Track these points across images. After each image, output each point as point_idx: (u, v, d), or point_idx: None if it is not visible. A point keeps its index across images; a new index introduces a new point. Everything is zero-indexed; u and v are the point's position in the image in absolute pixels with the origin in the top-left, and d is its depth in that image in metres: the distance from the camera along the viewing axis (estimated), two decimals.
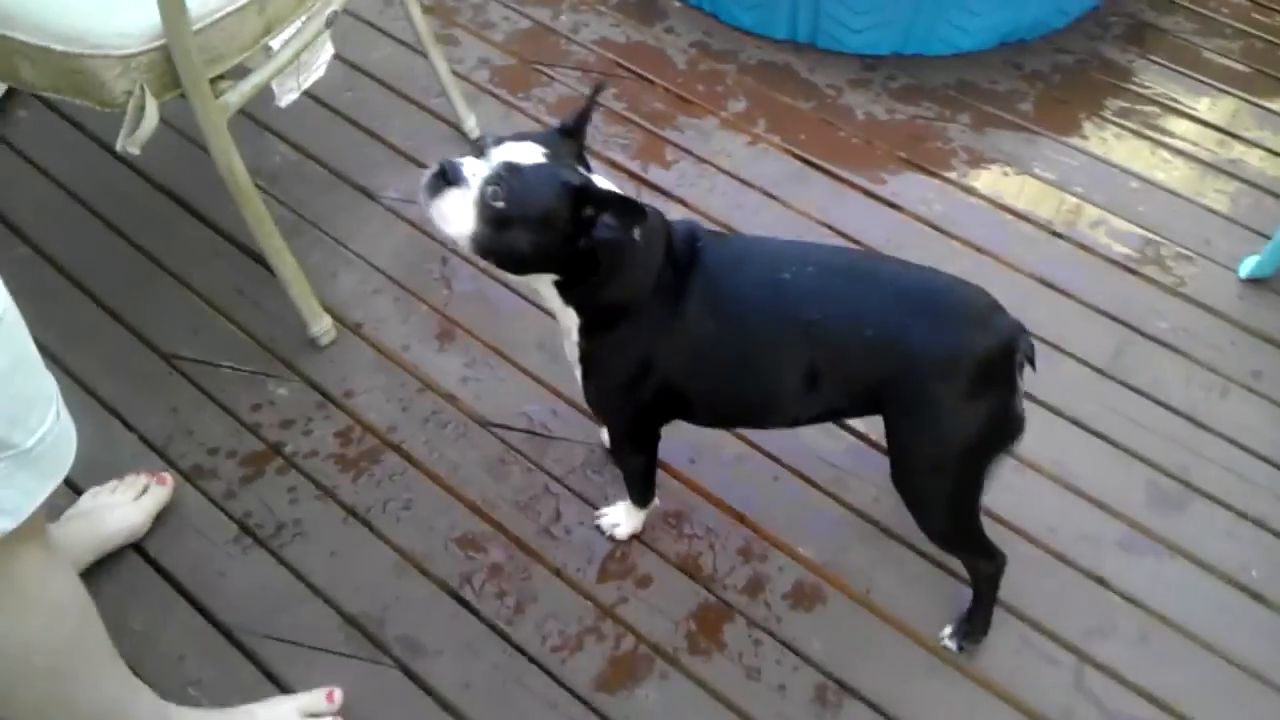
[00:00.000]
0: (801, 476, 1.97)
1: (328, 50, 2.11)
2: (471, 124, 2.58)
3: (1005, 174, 2.56)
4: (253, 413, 2.05)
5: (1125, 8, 3.03)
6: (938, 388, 1.48)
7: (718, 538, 1.90)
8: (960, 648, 1.76)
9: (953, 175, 2.55)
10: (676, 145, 2.59)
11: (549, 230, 1.39)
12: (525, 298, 2.24)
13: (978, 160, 2.58)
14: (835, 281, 1.52)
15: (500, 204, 1.37)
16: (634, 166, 2.54)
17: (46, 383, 1.16)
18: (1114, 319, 2.26)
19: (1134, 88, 2.80)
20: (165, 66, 1.75)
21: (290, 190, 2.43)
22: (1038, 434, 1.99)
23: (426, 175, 1.41)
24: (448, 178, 1.39)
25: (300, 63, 2.02)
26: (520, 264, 1.46)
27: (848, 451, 2.01)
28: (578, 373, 1.63)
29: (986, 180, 2.54)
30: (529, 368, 2.13)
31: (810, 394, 1.54)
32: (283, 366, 2.12)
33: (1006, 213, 2.47)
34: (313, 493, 1.94)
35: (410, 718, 1.69)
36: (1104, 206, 2.49)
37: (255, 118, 2.56)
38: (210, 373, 2.10)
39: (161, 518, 1.89)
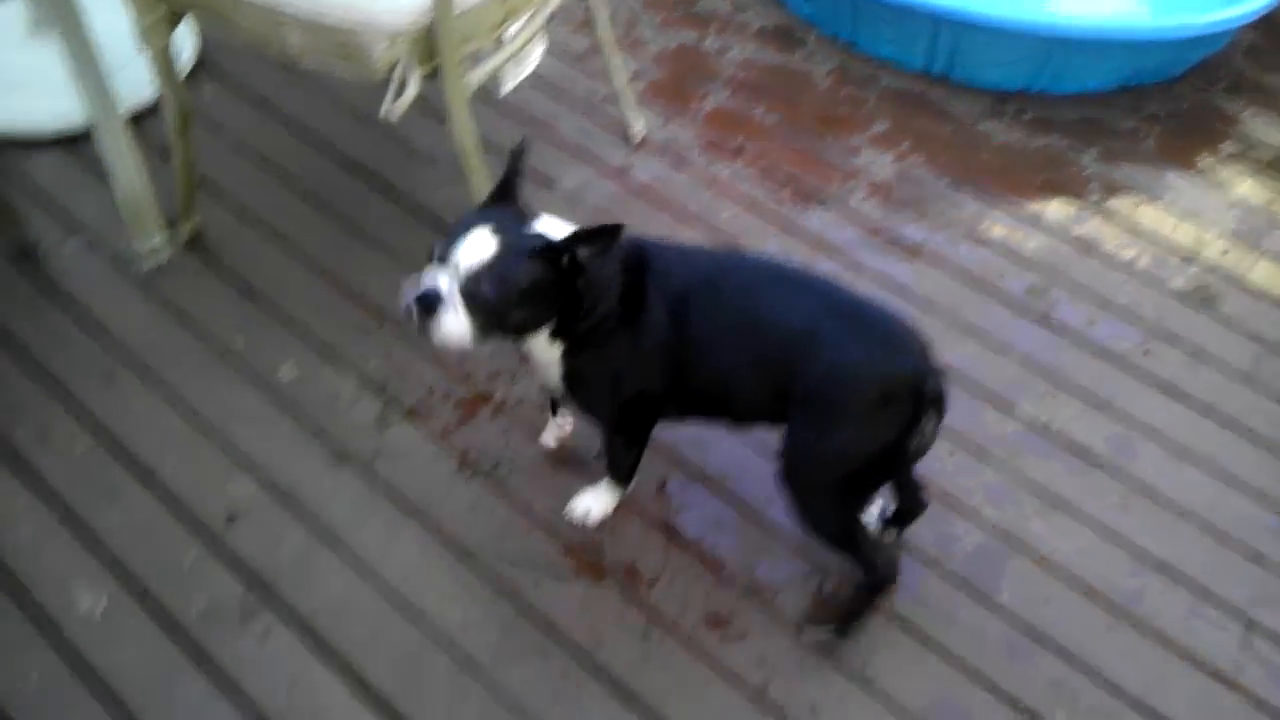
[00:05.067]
0: None
1: (541, 46, 2.28)
2: (640, 128, 2.76)
3: (1138, 204, 2.72)
4: (460, 364, 2.18)
5: (1232, 65, 3.23)
6: (833, 396, 1.57)
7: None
8: (819, 636, 1.82)
9: (1091, 200, 2.71)
10: (827, 160, 2.76)
11: (541, 294, 1.52)
12: None
13: (1112, 189, 2.75)
14: (768, 282, 1.65)
15: (487, 298, 1.47)
16: (791, 172, 2.70)
17: None
18: (1248, 337, 2.41)
19: (1244, 134, 2.98)
20: (425, 44, 1.92)
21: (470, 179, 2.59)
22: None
23: (410, 311, 1.49)
24: (427, 303, 1.48)
25: (521, 54, 2.19)
26: (532, 330, 1.59)
27: None
28: (560, 390, 1.74)
29: (1122, 207, 2.70)
30: None
31: (749, 386, 1.65)
32: None
33: (1144, 239, 2.63)
34: (525, 436, 2.07)
35: (631, 634, 1.81)
36: (1232, 237, 2.65)
37: (433, 111, 2.73)
38: None
39: (386, 449, 2.02)
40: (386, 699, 1.71)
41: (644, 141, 2.77)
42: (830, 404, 1.58)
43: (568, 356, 1.66)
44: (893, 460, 1.63)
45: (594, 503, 1.94)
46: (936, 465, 1.98)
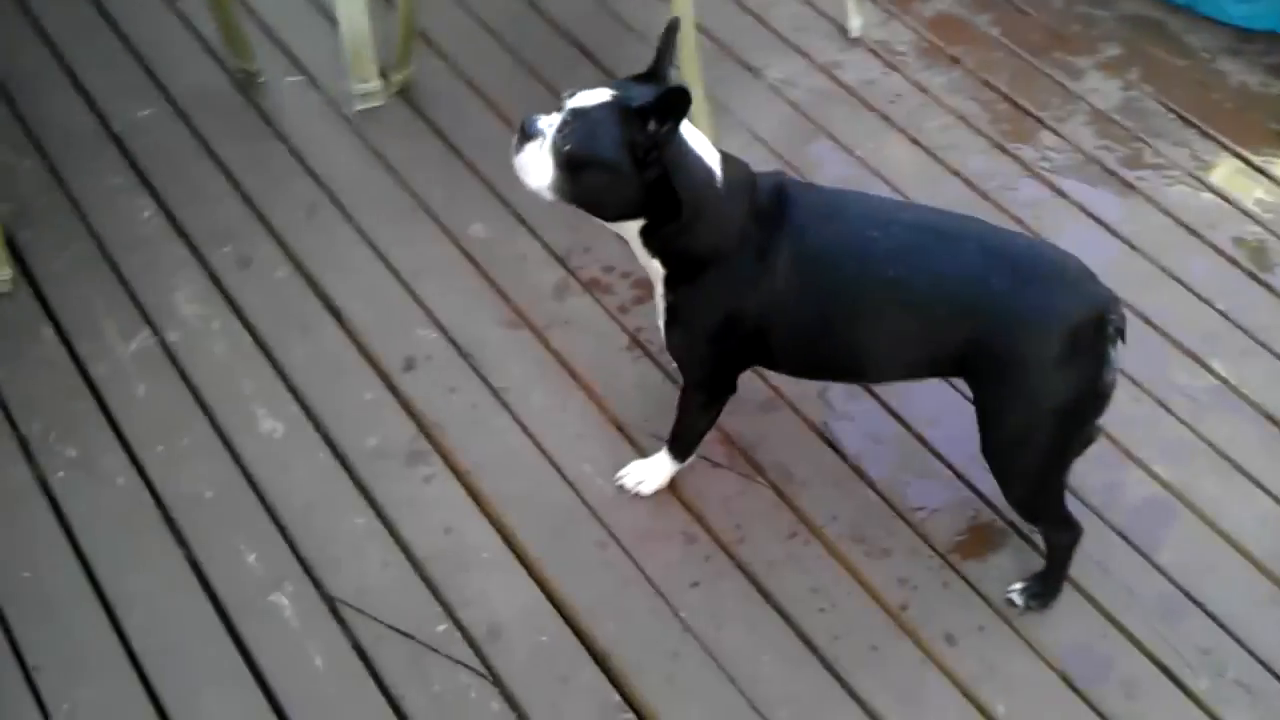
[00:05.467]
0: None
1: None
2: (856, 24, 2.67)
3: None
4: None
5: None
6: (1023, 351, 1.48)
7: None
8: (1027, 606, 1.75)
9: None
10: (1049, 77, 2.63)
11: (620, 163, 1.44)
12: None
13: None
14: (922, 239, 1.53)
15: (569, 146, 1.43)
16: (1005, 90, 2.59)
17: None
18: None
19: None
20: None
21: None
22: None
23: (513, 141, 1.49)
24: (526, 133, 1.47)
25: None
26: (603, 204, 1.51)
27: None
28: (660, 322, 1.67)
29: None
30: None
31: (895, 351, 1.58)
32: None
33: None
34: None
35: (776, 533, 1.83)
36: None
37: None
38: None
39: (562, 318, 2.08)
40: (532, 558, 1.79)
41: (859, 39, 2.68)
42: (1018, 362, 1.50)
43: (670, 285, 1.61)
44: (1093, 405, 1.56)
45: (648, 473, 1.85)
46: (1114, 411, 1.89)
